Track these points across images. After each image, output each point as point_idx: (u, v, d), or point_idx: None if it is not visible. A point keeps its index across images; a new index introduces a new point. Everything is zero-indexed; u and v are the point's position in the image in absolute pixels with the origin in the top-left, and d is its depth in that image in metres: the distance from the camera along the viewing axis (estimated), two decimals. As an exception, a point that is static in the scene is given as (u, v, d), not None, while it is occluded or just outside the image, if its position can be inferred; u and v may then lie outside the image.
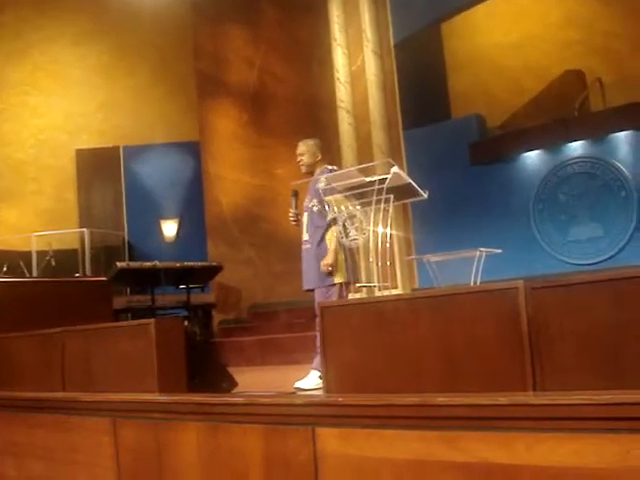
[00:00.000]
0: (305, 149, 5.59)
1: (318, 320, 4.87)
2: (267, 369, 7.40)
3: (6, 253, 12.21)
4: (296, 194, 5.59)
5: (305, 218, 5.55)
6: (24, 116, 13.71)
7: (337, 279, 5.28)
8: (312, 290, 5.43)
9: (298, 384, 5.08)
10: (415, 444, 2.33)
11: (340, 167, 9.16)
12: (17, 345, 5.85)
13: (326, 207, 5.27)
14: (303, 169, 5.61)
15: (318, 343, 5.11)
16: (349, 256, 5.31)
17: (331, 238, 5.32)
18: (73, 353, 5.12)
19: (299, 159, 5.61)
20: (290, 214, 5.56)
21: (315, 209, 5.44)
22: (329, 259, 5.25)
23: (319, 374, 5.01)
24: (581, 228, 8.14)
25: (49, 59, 13.82)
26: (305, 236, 5.51)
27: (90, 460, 3.53)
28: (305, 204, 5.58)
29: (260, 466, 2.73)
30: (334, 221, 5.25)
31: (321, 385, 4.92)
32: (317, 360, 5.13)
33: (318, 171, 5.54)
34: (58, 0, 13.70)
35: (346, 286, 5.34)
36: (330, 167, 5.51)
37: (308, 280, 5.47)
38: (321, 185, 5.25)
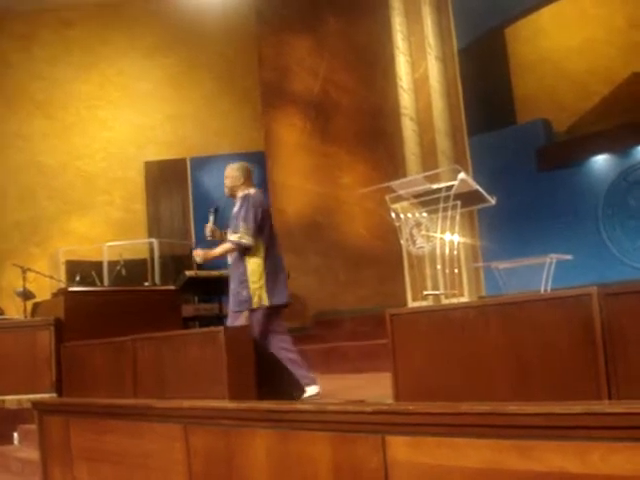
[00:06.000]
0: (228, 173, 5.71)
1: None
2: (331, 377, 7.39)
3: (79, 263, 12.49)
4: (216, 210, 5.72)
5: None
6: (94, 129, 14.06)
7: (255, 303, 5.37)
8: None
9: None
10: (486, 453, 2.29)
11: (405, 175, 9.21)
12: (90, 352, 5.98)
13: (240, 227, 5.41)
14: (226, 191, 5.74)
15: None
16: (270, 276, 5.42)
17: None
18: (144, 360, 5.22)
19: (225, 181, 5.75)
20: (207, 230, 5.68)
21: (229, 230, 5.56)
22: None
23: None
24: (652, 234, 7.96)
25: (117, 72, 14.14)
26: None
27: (162, 465, 3.57)
28: None
29: (329, 473, 2.73)
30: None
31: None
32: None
33: (241, 194, 5.64)
34: (126, 14, 14.05)
35: (259, 312, 5.38)
36: (253, 191, 5.64)
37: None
38: (235, 209, 5.52)
